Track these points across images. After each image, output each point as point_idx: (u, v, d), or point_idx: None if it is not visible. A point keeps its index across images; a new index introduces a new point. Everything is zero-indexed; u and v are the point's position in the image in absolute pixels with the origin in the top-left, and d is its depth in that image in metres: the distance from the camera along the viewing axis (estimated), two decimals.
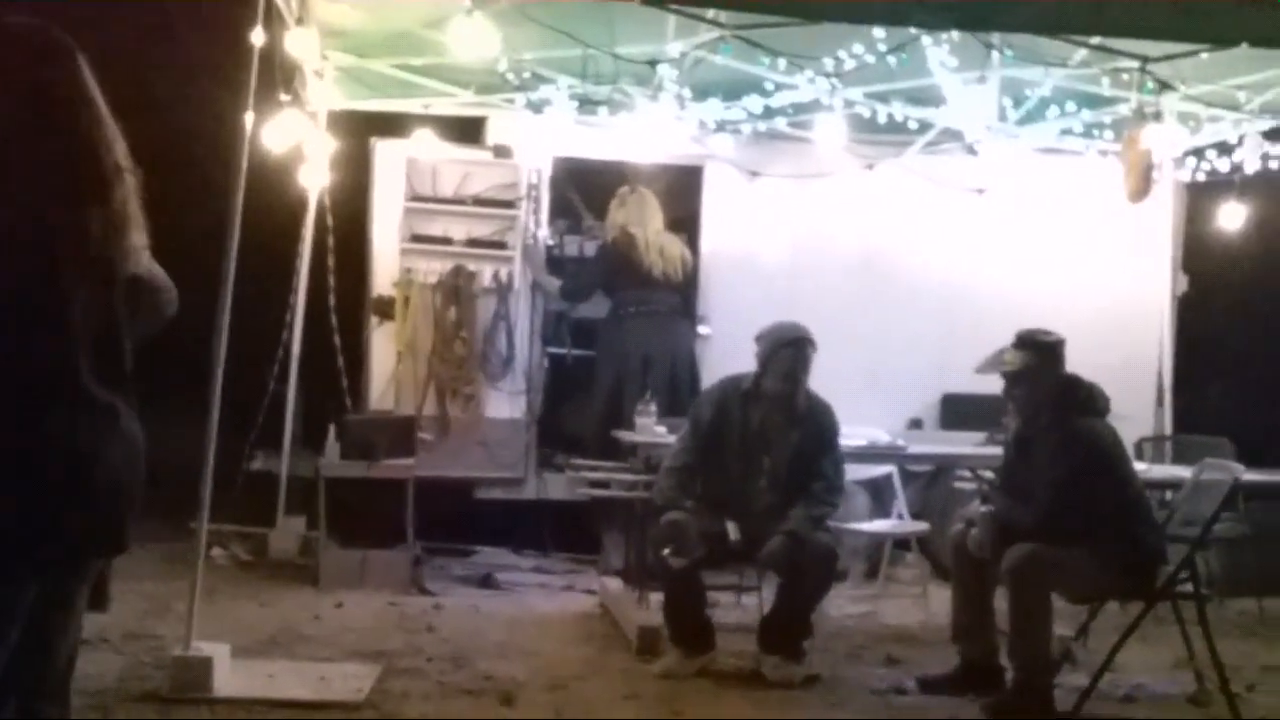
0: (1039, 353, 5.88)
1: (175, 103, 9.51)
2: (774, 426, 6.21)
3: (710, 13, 6.43)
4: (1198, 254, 9.28)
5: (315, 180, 8.16)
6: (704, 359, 8.49)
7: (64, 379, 2.67)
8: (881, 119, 8.08)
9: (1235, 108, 7.84)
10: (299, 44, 6.72)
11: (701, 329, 8.75)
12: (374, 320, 8.61)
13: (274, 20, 6.21)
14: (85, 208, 2.70)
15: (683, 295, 8.51)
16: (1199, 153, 8.50)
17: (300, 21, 6.63)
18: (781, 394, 6.18)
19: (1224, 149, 8.34)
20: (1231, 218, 8.67)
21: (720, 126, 8.45)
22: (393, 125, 8.75)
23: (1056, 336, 5.96)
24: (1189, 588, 5.76)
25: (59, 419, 2.66)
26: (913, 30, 6.50)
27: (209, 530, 5.82)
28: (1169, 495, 6.76)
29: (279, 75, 6.67)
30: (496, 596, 7.69)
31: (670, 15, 6.59)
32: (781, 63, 7.14)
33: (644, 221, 8.33)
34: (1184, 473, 6.60)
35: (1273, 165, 8.14)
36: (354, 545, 7.68)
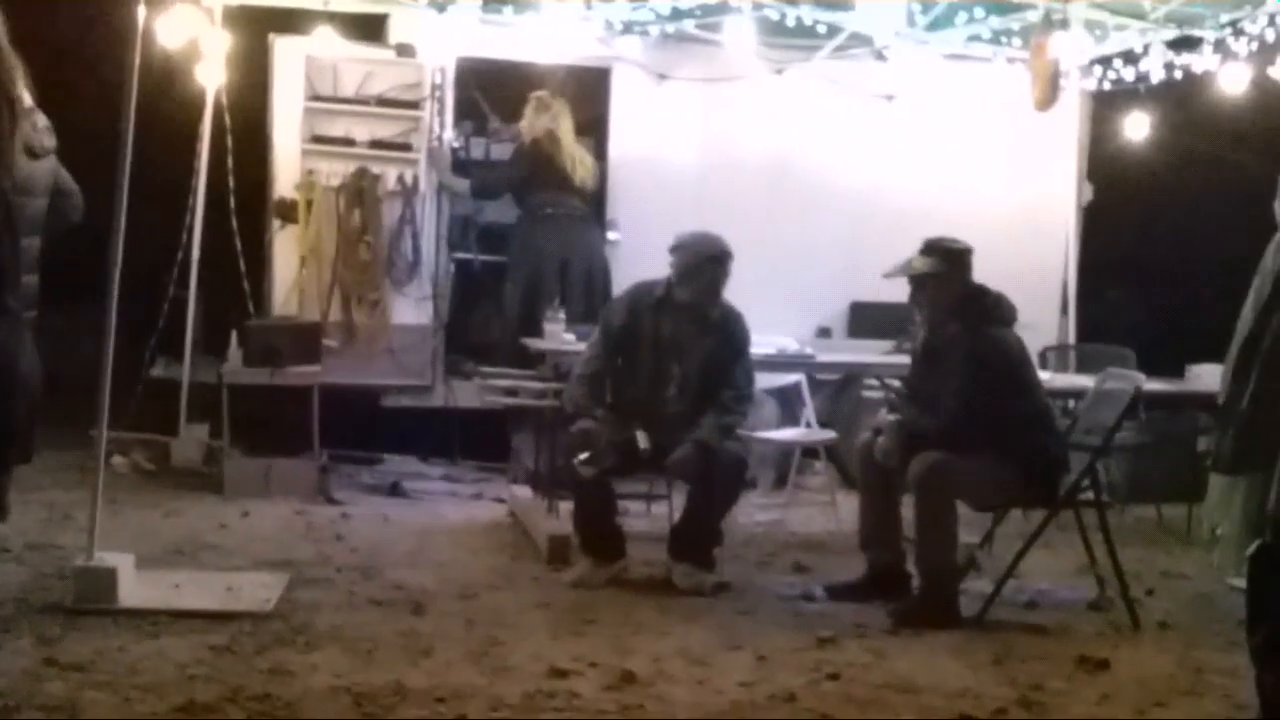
0: (946, 259, 5.89)
1: None
2: (686, 334, 6.18)
3: None
4: (1103, 163, 9.35)
5: (212, 78, 7.94)
6: (613, 264, 8.43)
7: None
8: (790, 22, 8.01)
9: (1141, 17, 7.86)
10: None
11: (611, 235, 8.69)
12: (276, 224, 8.43)
13: None
14: None
15: (591, 204, 8.44)
16: (1105, 62, 8.53)
17: None
18: (699, 306, 6.15)
19: (1130, 58, 8.37)
20: (1137, 127, 8.74)
21: (627, 28, 8.34)
22: (292, 21, 8.52)
23: (964, 245, 5.96)
24: (1091, 495, 5.86)
25: None
26: None
27: (110, 438, 5.71)
28: (1072, 404, 6.85)
29: None
30: (405, 505, 7.65)
31: None
32: None
33: (563, 128, 8.25)
34: (1087, 382, 6.69)
35: (1177, 75, 8.18)
36: (259, 454, 7.60)
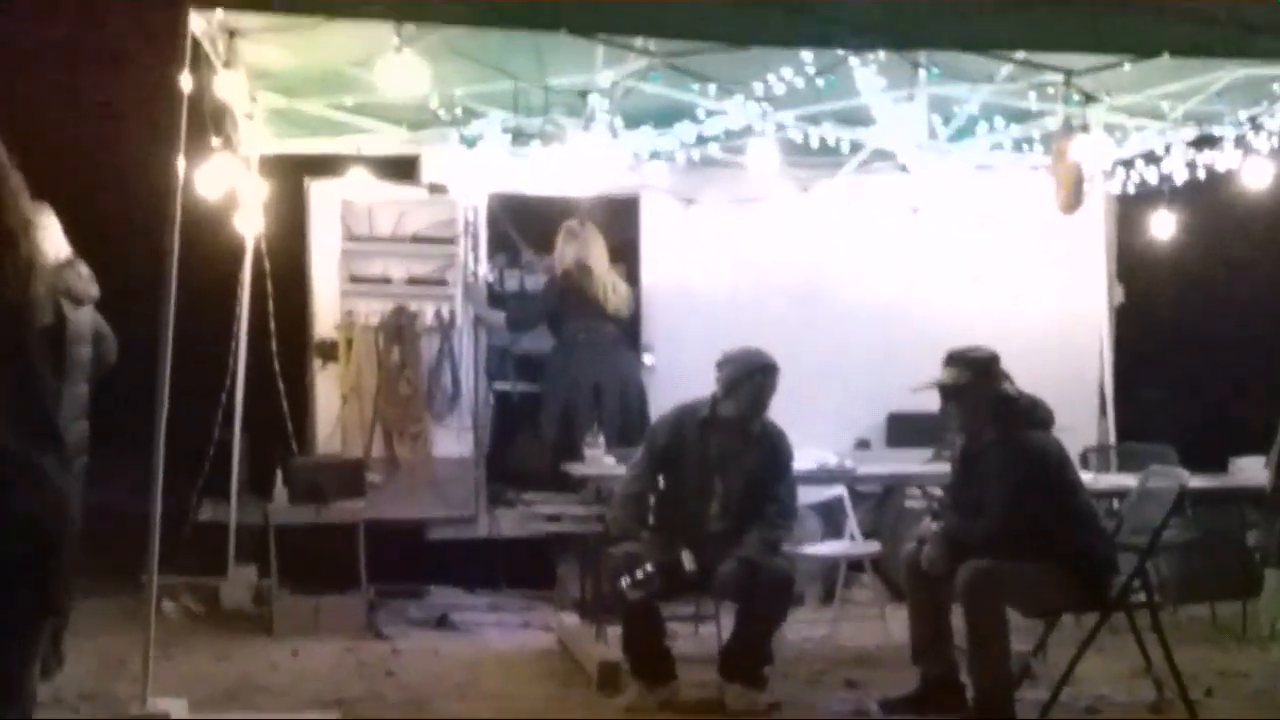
0: (970, 368, 5.92)
1: (106, 151, 9.42)
2: (729, 452, 6.22)
3: (639, 41, 6.45)
4: (1132, 264, 9.39)
5: (250, 225, 8.09)
6: (649, 388, 8.50)
7: None
8: (814, 141, 8.11)
9: (1160, 117, 7.95)
10: (228, 87, 6.66)
11: (646, 358, 8.77)
12: (317, 363, 8.55)
13: (201, 64, 6.17)
14: None
15: (626, 329, 8.55)
16: (1128, 163, 8.59)
17: (228, 64, 6.58)
18: (746, 419, 6.18)
19: (1151, 159, 8.44)
20: (1163, 226, 8.77)
21: (654, 155, 8.46)
22: (326, 166, 8.70)
23: (987, 352, 5.99)
24: (1142, 596, 5.82)
25: None
26: (840, 52, 6.55)
27: (159, 583, 5.74)
28: (1116, 504, 6.81)
29: (209, 119, 6.60)
30: (454, 637, 7.62)
31: (599, 45, 6.60)
32: (712, 89, 7.17)
33: (594, 256, 8.38)
34: (1130, 481, 6.66)
35: (1200, 173, 8.24)
36: (307, 592, 7.60)
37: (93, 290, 6.15)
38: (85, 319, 6.07)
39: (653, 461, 6.28)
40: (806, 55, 6.67)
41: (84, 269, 6.13)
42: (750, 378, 6.20)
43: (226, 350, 8.30)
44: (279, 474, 7.79)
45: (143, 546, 5.36)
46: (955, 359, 5.95)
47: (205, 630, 7.59)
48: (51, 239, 6.03)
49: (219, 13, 5.98)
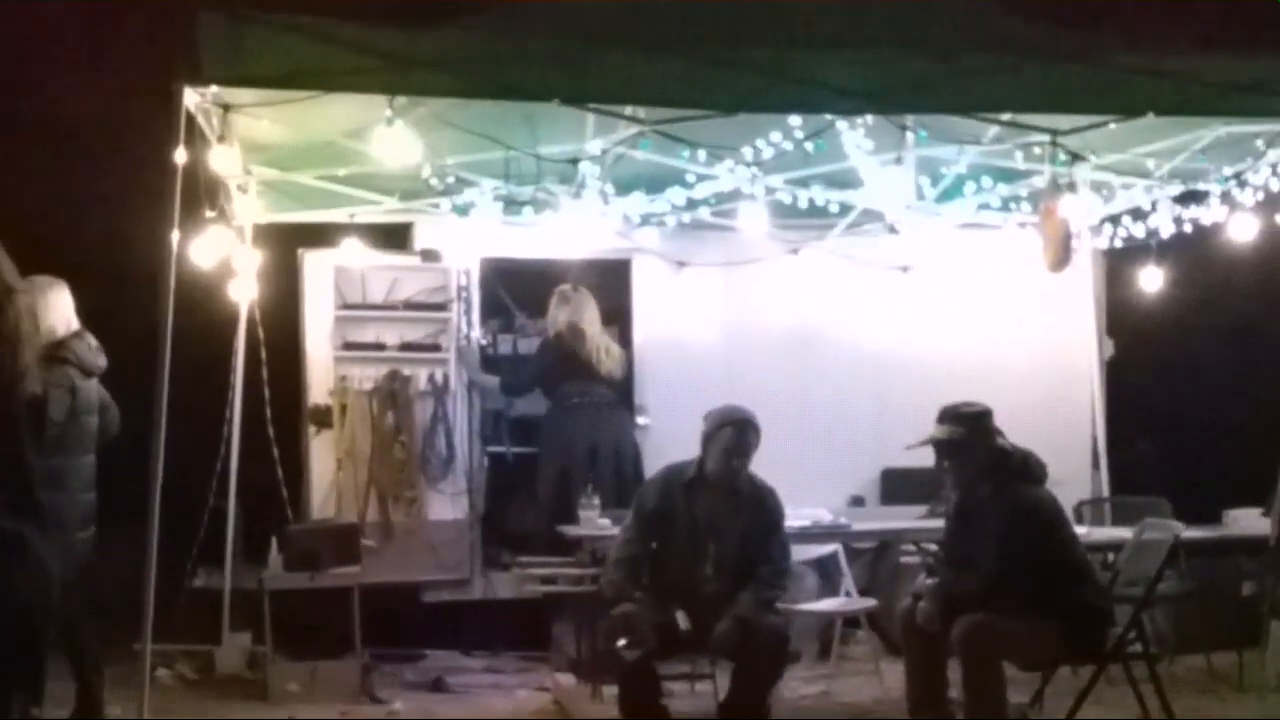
0: (963, 423, 5.97)
1: (103, 224, 9.48)
2: (719, 513, 6.24)
3: (628, 109, 6.53)
4: (1122, 318, 9.45)
5: (244, 293, 8.13)
6: (643, 449, 8.52)
7: None
8: (803, 204, 8.18)
9: (1145, 175, 8.04)
10: (222, 160, 6.71)
11: (640, 419, 8.80)
12: (311, 429, 8.58)
13: (196, 138, 6.24)
14: None
15: (619, 391, 8.59)
16: (1115, 219, 8.69)
17: (222, 138, 6.64)
18: (722, 474, 6.21)
19: (1138, 215, 8.53)
20: (1150, 281, 8.84)
21: (645, 220, 8.52)
22: (319, 235, 8.75)
23: (980, 407, 6.05)
24: (1138, 647, 5.82)
25: None
26: (828, 116, 6.63)
27: (153, 650, 5.73)
28: (1111, 557, 6.82)
29: (203, 192, 6.66)
30: (450, 700, 7.60)
31: (589, 114, 6.68)
32: (701, 154, 7.23)
33: (586, 319, 8.43)
34: (1124, 533, 6.69)
35: (1187, 228, 8.33)
36: (302, 657, 7.58)
37: (100, 361, 6.22)
38: (93, 390, 6.14)
39: (641, 524, 6.30)
40: (795, 120, 6.75)
41: (92, 340, 6.21)
42: (719, 431, 6.23)
43: (221, 418, 8.32)
44: (274, 540, 7.80)
45: (137, 615, 5.36)
46: (949, 415, 6.00)
47: (200, 697, 7.56)
48: (59, 312, 6.12)
49: (213, 88, 6.05)
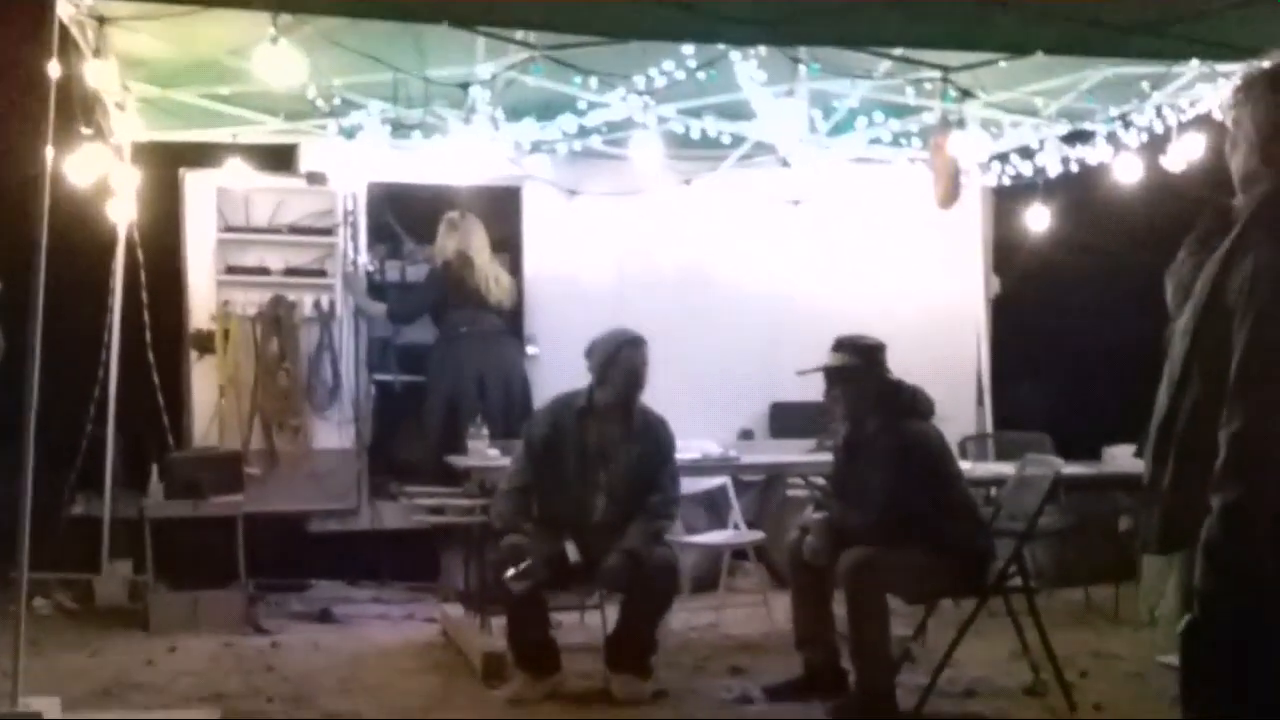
0: (858, 355, 6.01)
1: None
2: (610, 442, 6.22)
3: (519, 33, 6.42)
4: (1008, 256, 9.57)
5: (123, 214, 7.92)
6: (532, 379, 8.47)
7: None
8: (695, 134, 8.15)
9: (1034, 114, 8.10)
10: (98, 75, 6.52)
11: (529, 349, 8.74)
12: (193, 355, 8.41)
13: (70, 51, 6.02)
14: None
15: (509, 320, 8.51)
16: (1003, 158, 8.78)
17: (98, 52, 6.43)
18: (622, 399, 6.18)
19: (1026, 153, 8.62)
20: (1037, 220, 8.96)
21: (536, 147, 8.42)
22: (202, 155, 8.54)
23: (875, 341, 6.08)
24: (1018, 581, 5.93)
25: None
26: (721, 46, 6.57)
27: (30, 579, 5.59)
28: (994, 492, 6.94)
29: (78, 108, 6.45)
30: (336, 631, 7.56)
31: (480, 37, 6.56)
32: (593, 82, 7.16)
33: (475, 247, 8.33)
34: (1007, 469, 6.80)
35: (1073, 168, 8.43)
36: (184, 587, 7.48)
37: None
38: None
39: (532, 455, 6.26)
40: (688, 49, 6.69)
41: None
42: (619, 352, 6.20)
43: (99, 342, 8.12)
44: (155, 468, 7.65)
45: (12, 543, 5.22)
46: (844, 345, 6.03)
47: (79, 627, 7.45)
48: None
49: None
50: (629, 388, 6.21)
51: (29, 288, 5.25)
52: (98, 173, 6.97)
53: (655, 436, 6.28)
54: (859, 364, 5.97)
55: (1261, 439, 2.86)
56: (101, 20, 6.21)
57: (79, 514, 8.19)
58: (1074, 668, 6.17)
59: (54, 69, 5.38)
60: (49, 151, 5.39)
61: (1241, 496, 2.85)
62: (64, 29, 5.71)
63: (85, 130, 6.63)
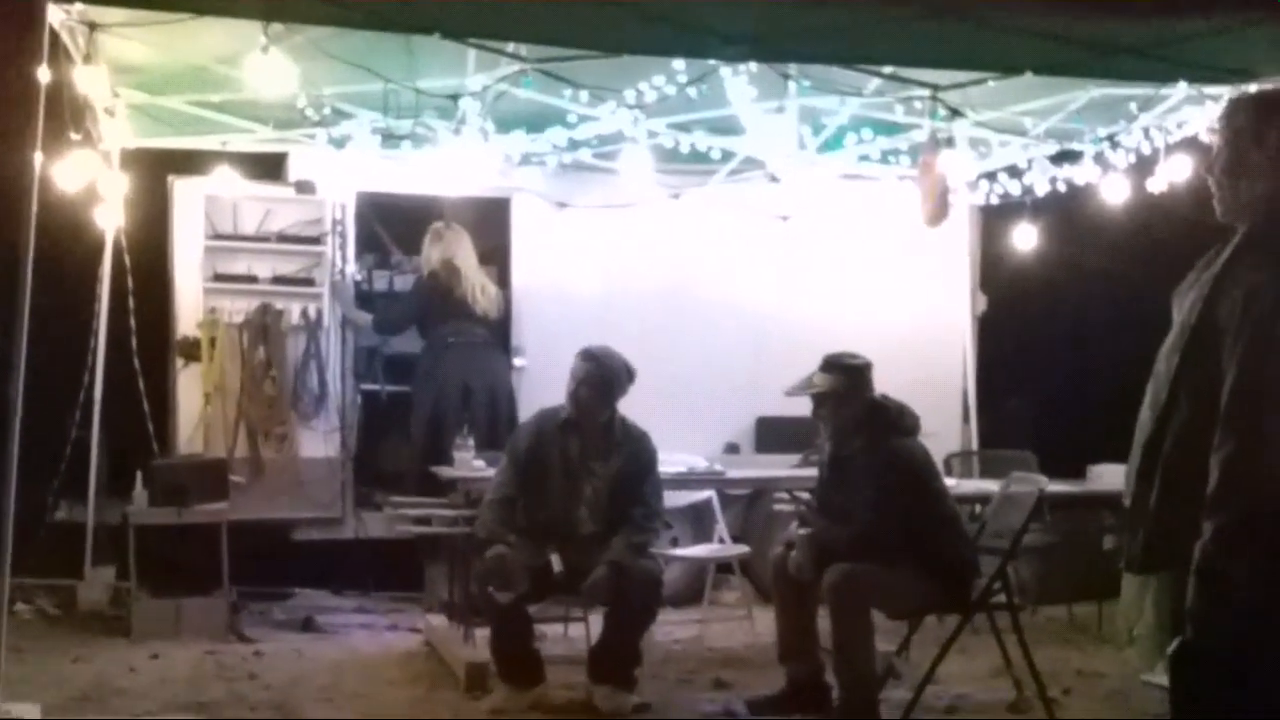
0: (845, 375, 6.01)
1: None
2: (593, 455, 6.23)
3: (510, 46, 6.43)
4: (995, 274, 9.60)
5: (110, 220, 7.92)
6: (519, 390, 8.48)
7: None
8: (685, 149, 8.16)
9: (1022, 133, 8.14)
10: (88, 81, 6.52)
11: (516, 360, 8.74)
12: (179, 362, 8.39)
13: (60, 57, 6.02)
14: None
15: (495, 331, 8.51)
16: (991, 176, 8.81)
17: (88, 58, 6.43)
18: (573, 406, 6.20)
19: (1014, 172, 8.65)
20: (1024, 238, 8.99)
21: (526, 159, 8.43)
22: (191, 163, 8.55)
23: (863, 360, 6.09)
24: (1002, 598, 5.93)
25: None
26: (711, 62, 6.59)
27: (13, 584, 5.58)
28: (979, 509, 6.95)
29: (68, 113, 6.45)
30: (319, 640, 7.54)
31: (471, 49, 6.57)
32: (584, 95, 7.17)
33: (461, 257, 8.33)
34: (992, 486, 6.80)
35: (1060, 188, 8.47)
36: (167, 594, 7.46)
37: None
38: None
39: (516, 466, 6.27)
40: (678, 64, 6.70)
41: None
42: (574, 364, 6.24)
43: (86, 347, 8.11)
44: (139, 474, 7.64)
45: None
46: (833, 365, 6.03)
47: (61, 633, 7.42)
48: None
49: (78, 4, 5.84)
50: (574, 395, 6.22)
51: (15, 293, 5.24)
52: (86, 178, 6.96)
53: (635, 450, 6.29)
54: (846, 385, 5.97)
55: (1254, 463, 2.87)
56: (92, 26, 6.21)
57: (62, 519, 8.18)
58: (1057, 685, 6.19)
59: (44, 74, 5.39)
60: (38, 157, 5.38)
61: (1234, 520, 2.86)
62: (54, 34, 5.71)
63: (74, 136, 6.64)
